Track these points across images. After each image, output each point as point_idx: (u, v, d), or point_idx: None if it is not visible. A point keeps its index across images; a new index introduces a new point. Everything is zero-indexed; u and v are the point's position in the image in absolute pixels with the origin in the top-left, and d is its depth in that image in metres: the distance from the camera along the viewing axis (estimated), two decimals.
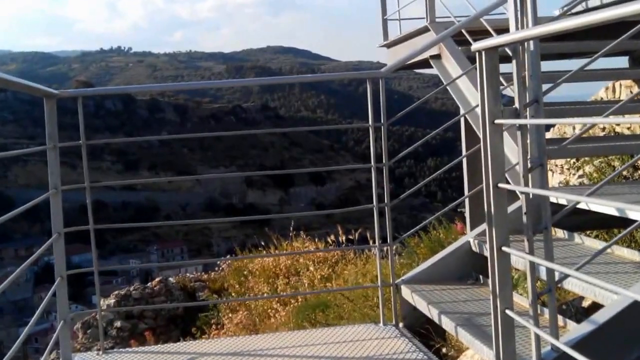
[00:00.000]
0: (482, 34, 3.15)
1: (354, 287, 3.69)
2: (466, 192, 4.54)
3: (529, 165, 1.72)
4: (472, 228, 4.64)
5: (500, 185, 1.67)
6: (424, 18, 3.78)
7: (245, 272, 6.13)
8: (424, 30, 3.60)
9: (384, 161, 2.68)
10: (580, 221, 2.40)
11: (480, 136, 1.71)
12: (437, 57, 3.47)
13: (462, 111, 3.88)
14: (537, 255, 1.66)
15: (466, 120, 3.66)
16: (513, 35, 1.61)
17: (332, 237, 6.29)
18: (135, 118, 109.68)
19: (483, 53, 1.66)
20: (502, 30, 3.04)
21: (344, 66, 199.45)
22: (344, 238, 6.14)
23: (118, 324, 5.80)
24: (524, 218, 1.70)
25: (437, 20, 3.68)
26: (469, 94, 3.26)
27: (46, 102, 2.52)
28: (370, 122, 2.65)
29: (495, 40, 1.63)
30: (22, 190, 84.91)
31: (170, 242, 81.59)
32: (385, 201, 2.77)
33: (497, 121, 1.66)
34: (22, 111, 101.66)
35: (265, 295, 5.20)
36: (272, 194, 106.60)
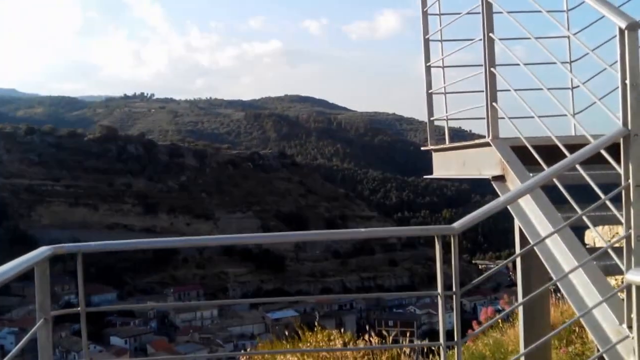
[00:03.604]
0: (550, 149, 2.68)
1: None
2: (520, 297, 3.98)
3: None
4: (526, 335, 4.04)
5: None
6: (476, 119, 3.34)
7: None
8: (484, 144, 3.12)
9: (454, 289, 2.15)
10: None
11: None
12: (501, 178, 2.99)
13: (517, 225, 3.33)
14: None
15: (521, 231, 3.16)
16: None
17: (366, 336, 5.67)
18: (156, 162, 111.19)
19: None
20: (572, 146, 2.59)
21: (359, 116, 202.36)
22: (376, 341, 5.53)
23: None
24: None
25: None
26: (534, 216, 2.76)
27: (36, 268, 2.03)
28: (439, 290, 2.14)
29: None
30: (45, 230, 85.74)
31: (187, 285, 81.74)
32: (455, 338, 2.20)
33: None
34: (47, 154, 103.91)
35: None
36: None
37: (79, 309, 2.17)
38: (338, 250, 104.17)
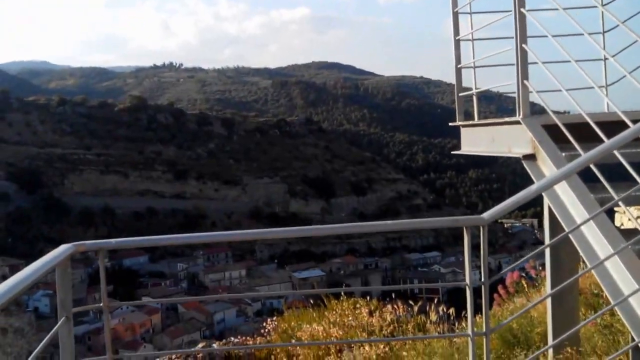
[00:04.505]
0: (582, 127, 2.59)
1: None
2: (549, 289, 3.95)
3: None
4: (554, 306, 4.04)
5: None
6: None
7: (293, 339, 5.69)
8: (515, 122, 3.03)
9: (482, 279, 2.17)
10: None
11: None
12: (531, 157, 2.93)
13: (547, 204, 3.23)
14: None
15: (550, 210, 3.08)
16: None
17: (390, 306, 5.75)
18: (185, 130, 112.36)
19: None
20: (604, 123, 2.49)
21: (386, 81, 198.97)
22: (402, 310, 5.60)
23: None
24: None
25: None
26: (567, 198, 2.68)
27: (57, 269, 2.02)
28: (467, 281, 2.13)
29: None
30: (77, 197, 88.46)
31: (215, 247, 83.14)
32: (484, 328, 2.21)
33: None
34: (79, 124, 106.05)
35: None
36: (314, 204, 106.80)
37: (101, 304, 2.20)
38: (364, 212, 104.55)
